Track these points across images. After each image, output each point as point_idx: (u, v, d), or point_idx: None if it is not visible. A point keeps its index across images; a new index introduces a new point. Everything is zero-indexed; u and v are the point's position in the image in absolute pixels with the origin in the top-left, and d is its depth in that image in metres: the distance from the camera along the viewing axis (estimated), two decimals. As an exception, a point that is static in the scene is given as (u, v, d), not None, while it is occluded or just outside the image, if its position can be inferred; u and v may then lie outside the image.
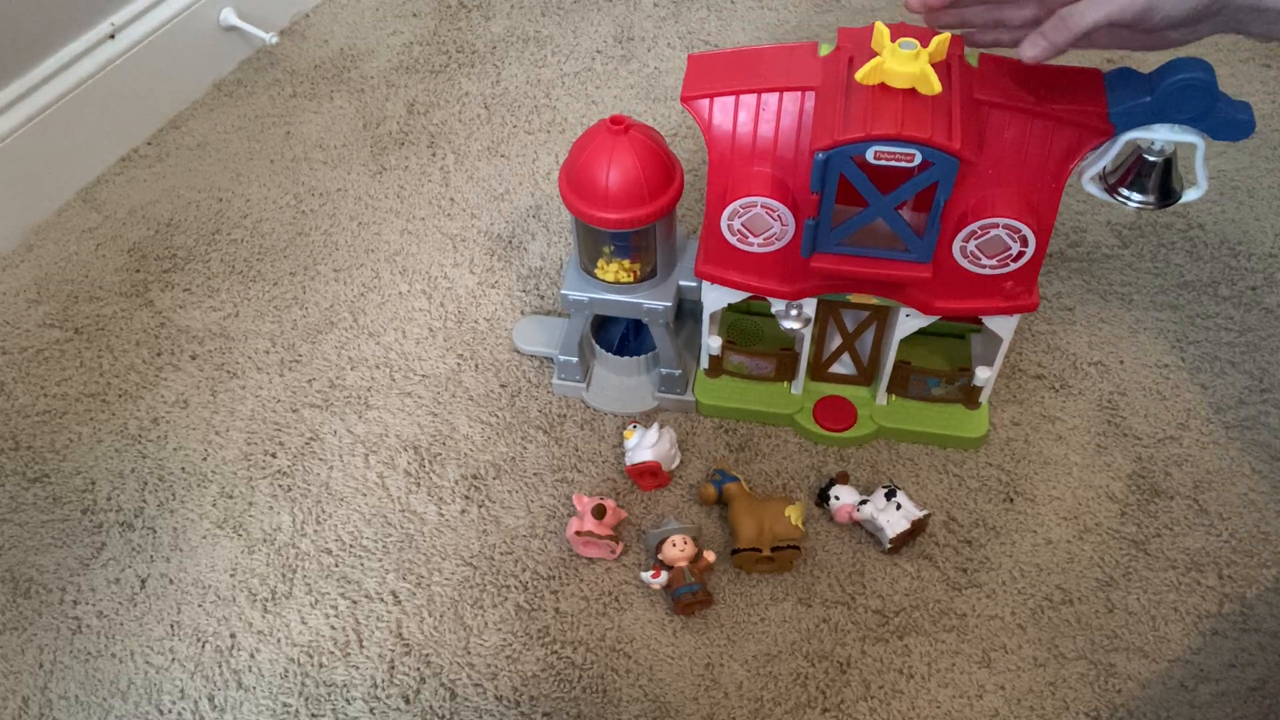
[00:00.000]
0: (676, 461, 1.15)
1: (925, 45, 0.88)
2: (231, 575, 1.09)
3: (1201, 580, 1.07)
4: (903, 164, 0.88)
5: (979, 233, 0.94)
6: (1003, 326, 1.06)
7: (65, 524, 1.13)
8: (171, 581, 1.09)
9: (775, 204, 0.96)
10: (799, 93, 0.94)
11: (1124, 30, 0.85)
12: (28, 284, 1.35)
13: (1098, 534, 1.10)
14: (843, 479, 1.11)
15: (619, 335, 1.26)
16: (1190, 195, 0.95)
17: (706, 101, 0.96)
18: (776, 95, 0.94)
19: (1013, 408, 1.20)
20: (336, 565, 1.09)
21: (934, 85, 0.87)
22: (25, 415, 1.22)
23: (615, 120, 1.03)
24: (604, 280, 1.13)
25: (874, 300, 1.07)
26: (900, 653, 1.03)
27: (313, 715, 1.00)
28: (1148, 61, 1.62)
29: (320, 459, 1.18)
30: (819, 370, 1.18)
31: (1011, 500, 1.13)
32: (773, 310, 1.08)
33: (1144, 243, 1.37)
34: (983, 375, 1.11)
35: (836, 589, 1.07)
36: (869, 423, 1.17)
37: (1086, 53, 1.64)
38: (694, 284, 1.12)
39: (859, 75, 0.89)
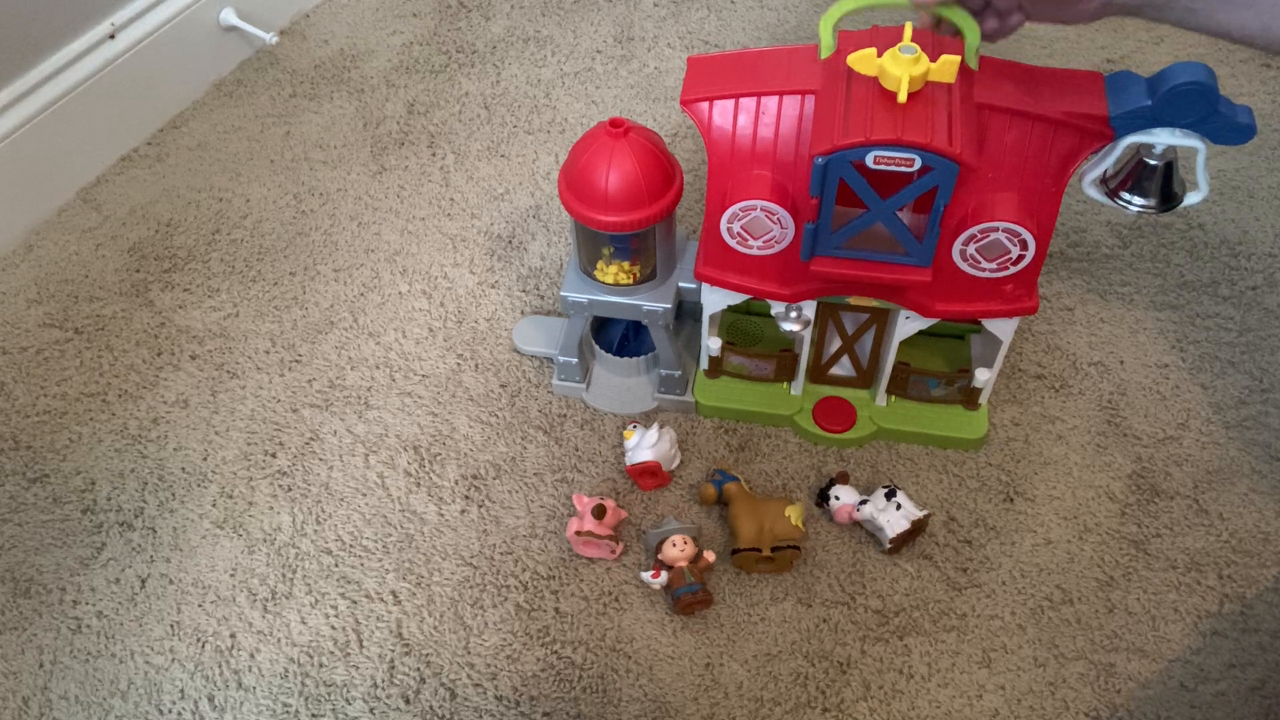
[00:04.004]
0: (676, 461, 1.15)
1: (934, 59, 0.87)
2: (231, 575, 1.09)
3: (1201, 580, 1.07)
4: (902, 169, 0.88)
5: (979, 236, 0.94)
6: (1002, 328, 1.06)
7: (65, 524, 1.13)
8: (171, 581, 1.09)
9: (775, 207, 0.96)
10: (799, 96, 0.94)
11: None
12: (28, 284, 1.35)
13: (1098, 534, 1.10)
14: (843, 479, 1.11)
15: (619, 336, 1.26)
16: (1192, 199, 0.95)
17: (706, 104, 0.96)
18: (776, 99, 0.94)
19: (1013, 408, 1.20)
20: (336, 565, 1.09)
21: (899, 88, 0.87)
22: (25, 415, 1.22)
23: (614, 123, 1.03)
24: (603, 282, 1.13)
25: (873, 303, 1.07)
26: (900, 653, 1.03)
27: (313, 715, 1.00)
28: (1149, 65, 1.63)
29: (320, 459, 1.18)
30: (818, 373, 1.19)
31: (1011, 500, 1.13)
32: (772, 312, 1.08)
33: (1144, 243, 1.37)
34: (982, 377, 1.12)
35: (836, 589, 1.07)
36: (868, 424, 1.17)
37: (1087, 56, 1.64)
38: (693, 285, 1.12)
39: (852, 59, 0.89)
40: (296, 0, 1.73)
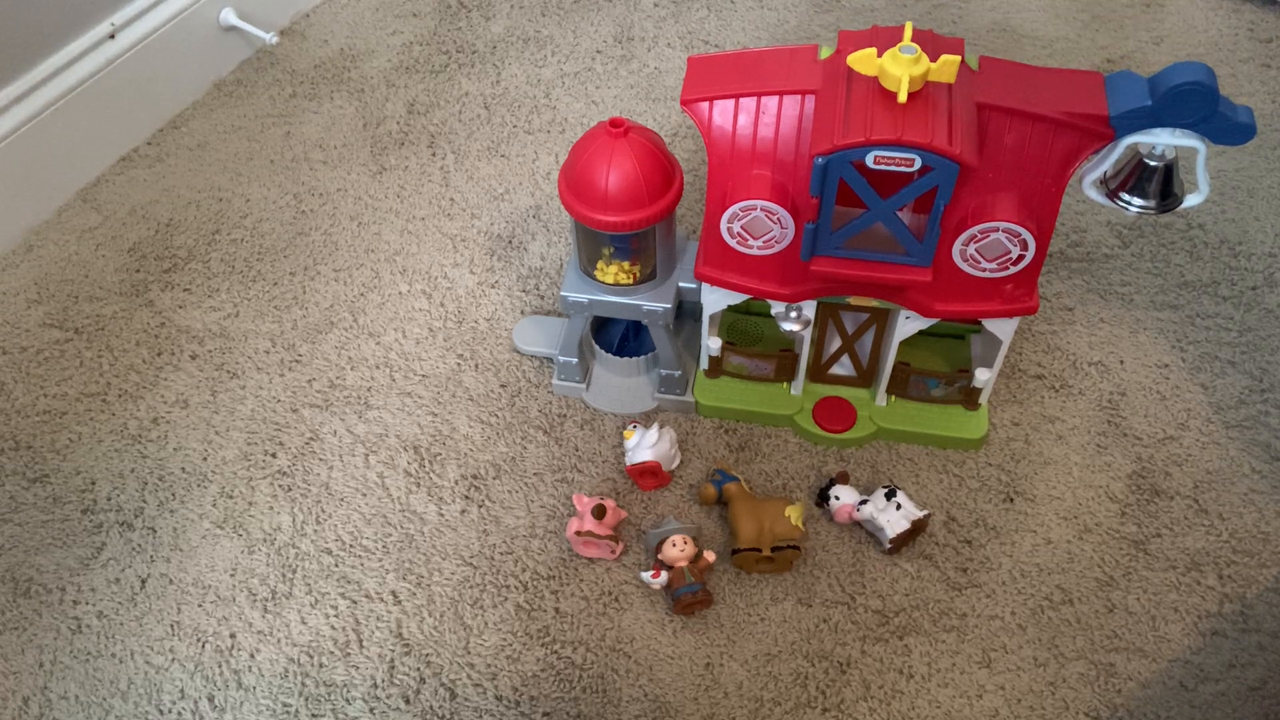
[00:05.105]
0: (676, 461, 1.15)
1: (934, 59, 0.87)
2: (231, 575, 1.09)
3: (1201, 580, 1.07)
4: (902, 169, 0.88)
5: (979, 236, 0.94)
6: (1002, 328, 1.06)
7: (65, 524, 1.13)
8: (171, 581, 1.09)
9: (775, 207, 0.96)
10: (799, 96, 0.94)
11: None
12: (28, 284, 1.35)
13: (1098, 534, 1.10)
14: (843, 479, 1.11)
15: (619, 336, 1.26)
16: (1192, 200, 0.95)
17: (706, 104, 0.96)
18: (776, 99, 0.94)
19: (1013, 408, 1.20)
20: (336, 565, 1.09)
21: (899, 88, 0.87)
22: (25, 415, 1.22)
23: (614, 123, 1.03)
24: (603, 282, 1.13)
25: (873, 303, 1.07)
26: (900, 653, 1.03)
27: (313, 715, 1.00)
28: (1149, 65, 1.63)
29: (320, 459, 1.18)
30: (818, 372, 1.19)
31: (1011, 500, 1.13)
32: (772, 312, 1.08)
33: (1144, 243, 1.37)
34: (982, 377, 1.12)
35: (836, 589, 1.07)
36: (868, 424, 1.17)
37: (1087, 56, 1.64)
38: (693, 285, 1.12)
39: (852, 59, 0.89)
40: (296, 0, 1.73)
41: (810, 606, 1.06)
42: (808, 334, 1.11)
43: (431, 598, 1.07)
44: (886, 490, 1.08)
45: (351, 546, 1.11)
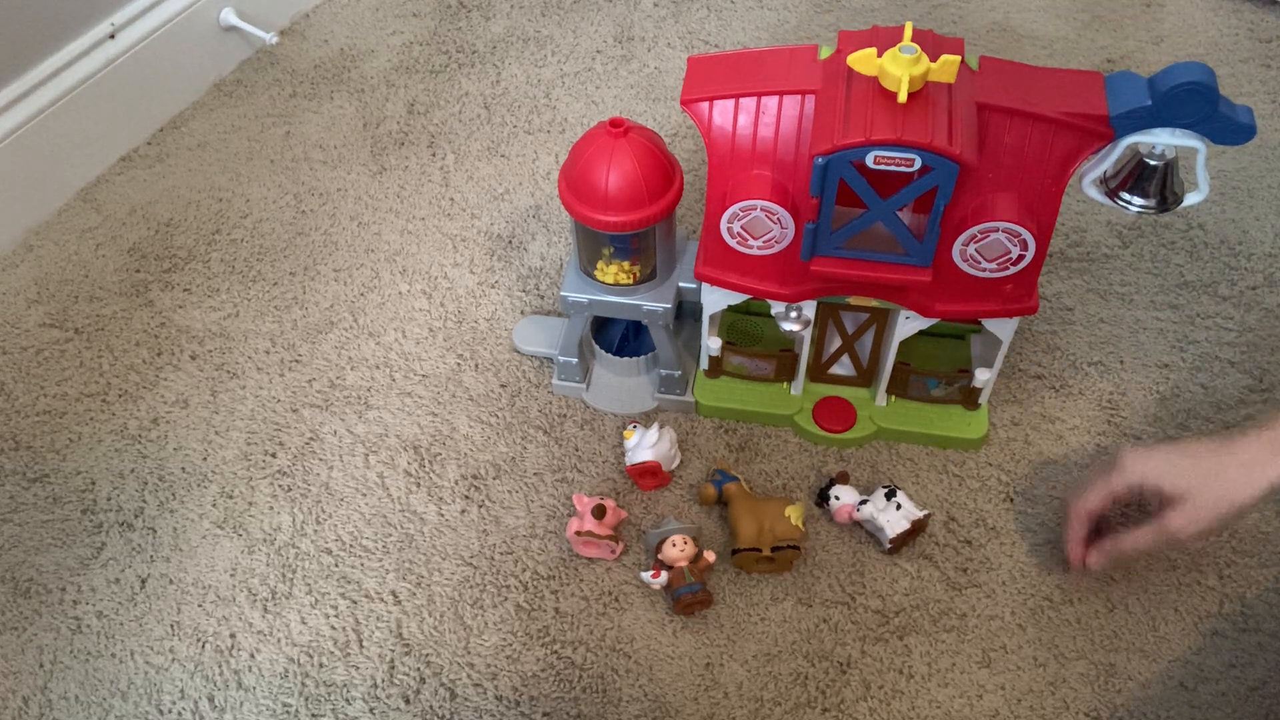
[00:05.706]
0: (676, 461, 1.15)
1: (934, 59, 0.87)
2: (231, 575, 1.09)
3: (1201, 580, 1.07)
4: (902, 169, 0.88)
5: (979, 236, 0.94)
6: (1002, 328, 1.06)
7: (65, 524, 1.13)
8: (171, 581, 1.09)
9: (775, 207, 0.96)
10: (799, 96, 0.94)
11: None
12: (28, 284, 1.35)
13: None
14: (843, 479, 1.11)
15: (619, 336, 1.26)
16: (1192, 199, 0.95)
17: (706, 104, 0.96)
18: (776, 99, 0.94)
19: (1013, 408, 1.20)
20: (336, 565, 1.09)
21: (899, 88, 0.87)
22: (25, 415, 1.22)
23: (614, 123, 1.03)
24: (603, 282, 1.13)
25: (873, 303, 1.07)
26: (900, 653, 1.03)
27: (313, 715, 1.00)
28: (1149, 65, 1.63)
29: (320, 459, 1.18)
30: (818, 372, 1.19)
31: (1011, 500, 1.13)
32: (772, 312, 1.08)
33: (1144, 243, 1.37)
34: (982, 377, 1.12)
35: (836, 589, 1.07)
36: (868, 424, 1.17)
37: (1087, 56, 1.64)
38: (693, 285, 1.12)
39: (852, 59, 0.88)
40: (296, 0, 1.73)
41: (810, 606, 1.06)
42: (808, 334, 1.11)
43: (431, 598, 1.07)
44: (886, 490, 1.08)
45: (351, 546, 1.11)
